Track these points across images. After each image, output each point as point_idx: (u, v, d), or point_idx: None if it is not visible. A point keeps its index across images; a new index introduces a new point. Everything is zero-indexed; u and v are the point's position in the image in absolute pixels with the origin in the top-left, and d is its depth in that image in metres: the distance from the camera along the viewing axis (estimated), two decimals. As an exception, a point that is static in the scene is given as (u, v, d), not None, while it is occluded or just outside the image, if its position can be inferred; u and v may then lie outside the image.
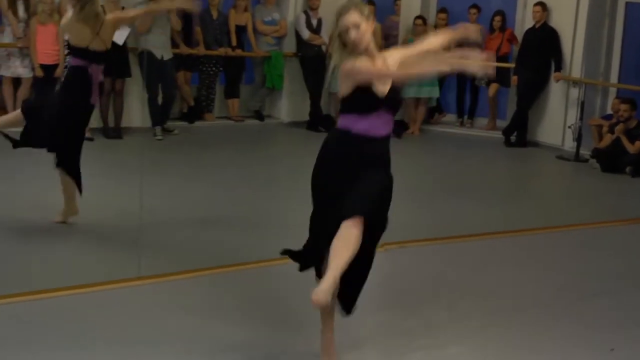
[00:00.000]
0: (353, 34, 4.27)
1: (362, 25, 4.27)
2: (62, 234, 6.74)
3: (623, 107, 10.67)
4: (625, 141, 10.57)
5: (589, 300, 5.93)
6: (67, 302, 5.33)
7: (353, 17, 4.27)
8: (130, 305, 5.37)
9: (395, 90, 4.34)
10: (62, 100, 6.76)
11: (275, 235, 7.08)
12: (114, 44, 10.11)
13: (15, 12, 10.18)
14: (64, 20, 6.93)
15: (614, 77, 11.78)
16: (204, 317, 5.20)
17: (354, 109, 4.31)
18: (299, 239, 6.79)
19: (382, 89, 4.30)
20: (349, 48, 4.31)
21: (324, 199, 4.45)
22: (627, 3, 11.60)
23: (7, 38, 10.23)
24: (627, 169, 10.45)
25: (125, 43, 10.39)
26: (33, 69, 10.11)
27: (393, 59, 4.45)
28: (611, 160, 10.60)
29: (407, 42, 12.26)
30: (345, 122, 4.35)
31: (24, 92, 10.38)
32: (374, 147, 4.34)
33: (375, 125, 4.32)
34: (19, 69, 10.24)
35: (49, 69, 10.04)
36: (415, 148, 11.58)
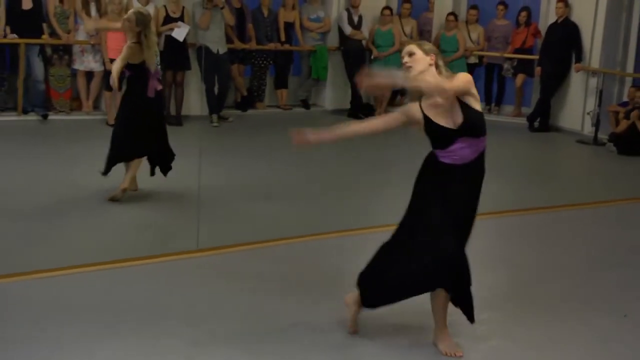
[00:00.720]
0: (405, 59, 4.32)
1: (417, 54, 4.30)
2: (128, 206, 6.84)
3: (638, 94, 10.58)
4: (640, 126, 10.44)
5: (606, 270, 5.89)
6: (129, 272, 5.40)
7: (410, 47, 4.35)
8: (189, 275, 5.42)
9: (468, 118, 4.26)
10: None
11: (319, 210, 7.13)
12: (175, 40, 10.32)
13: (88, 13, 10.29)
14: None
15: (630, 67, 11.62)
16: (254, 288, 5.24)
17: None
18: (340, 215, 6.82)
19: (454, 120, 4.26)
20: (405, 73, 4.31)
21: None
22: (643, -2, 11.43)
23: (81, 36, 10.35)
24: (642, 152, 10.33)
25: (185, 39, 10.46)
26: (104, 63, 10.21)
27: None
28: (627, 143, 10.47)
29: (440, 37, 12.24)
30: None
31: (95, 84, 10.51)
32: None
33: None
34: (91, 63, 10.38)
35: (118, 63, 10.13)
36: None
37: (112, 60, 10.02)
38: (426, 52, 4.32)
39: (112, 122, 9.99)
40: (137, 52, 6.79)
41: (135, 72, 6.90)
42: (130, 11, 6.95)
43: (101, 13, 10.28)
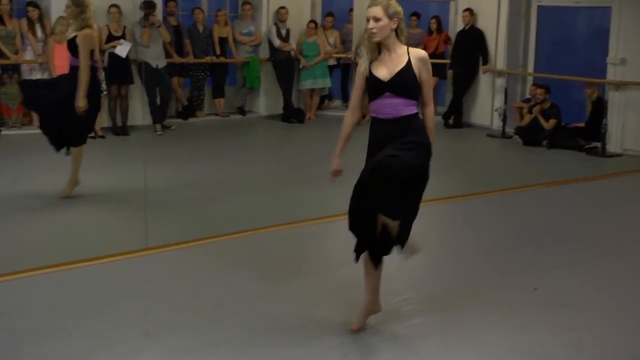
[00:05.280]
0: (370, 24, 4.14)
1: (382, 20, 4.12)
2: (80, 209, 6.70)
3: (539, 91, 10.75)
4: (541, 120, 10.64)
5: (516, 250, 5.99)
6: (79, 274, 5.28)
7: (375, 10, 4.14)
8: (138, 273, 5.34)
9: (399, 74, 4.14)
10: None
11: (261, 205, 7.11)
12: (118, 56, 10.17)
13: (34, 34, 10.06)
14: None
15: (530, 67, 11.82)
16: (203, 281, 5.19)
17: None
18: (276, 208, 6.81)
19: (384, 74, 4.14)
20: (367, 36, 4.16)
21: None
22: (538, 6, 11.64)
23: (29, 55, 10.11)
24: (544, 142, 10.52)
25: (127, 56, 10.31)
26: (51, 80, 10.00)
27: (414, 57, 4.19)
28: (530, 135, 10.68)
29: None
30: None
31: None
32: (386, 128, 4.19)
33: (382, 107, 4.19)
34: (39, 80, 10.13)
35: (64, 79, 9.93)
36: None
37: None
38: (390, 17, 4.13)
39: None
40: (92, 38, 6.76)
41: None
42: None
43: (47, 34, 10.06)
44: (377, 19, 4.12)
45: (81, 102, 6.75)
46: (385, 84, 4.15)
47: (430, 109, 4.32)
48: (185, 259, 5.58)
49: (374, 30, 4.13)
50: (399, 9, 4.20)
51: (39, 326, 4.34)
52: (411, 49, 4.22)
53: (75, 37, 6.79)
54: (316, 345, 4.22)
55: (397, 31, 4.19)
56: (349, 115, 4.40)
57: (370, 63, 4.22)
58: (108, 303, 4.70)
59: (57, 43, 9.83)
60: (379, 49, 4.22)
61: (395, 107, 4.17)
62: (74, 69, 6.86)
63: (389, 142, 4.15)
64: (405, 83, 4.15)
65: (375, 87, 4.19)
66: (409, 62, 4.16)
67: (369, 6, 4.18)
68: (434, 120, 4.38)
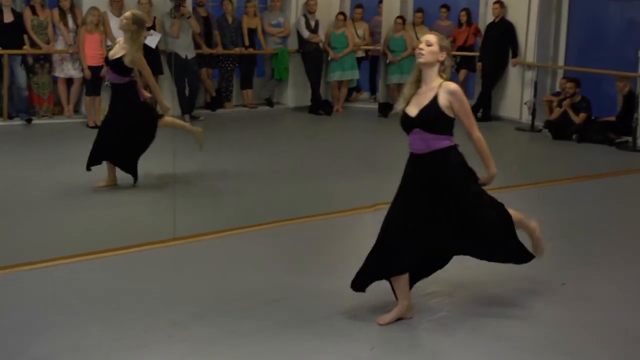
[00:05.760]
0: (421, 45, 4.27)
1: (433, 46, 4.24)
2: (109, 199, 6.75)
3: (569, 85, 10.65)
4: (571, 113, 10.54)
5: (549, 241, 5.92)
6: (107, 263, 5.32)
7: (430, 36, 4.31)
8: (166, 263, 5.36)
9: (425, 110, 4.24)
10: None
11: (288, 197, 7.13)
12: (148, 47, 10.21)
13: (65, 24, 10.14)
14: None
15: (560, 61, 11.73)
16: (230, 271, 5.21)
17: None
18: (303, 199, 6.81)
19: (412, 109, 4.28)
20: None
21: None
22: (571, -1, 11.55)
23: (60, 45, 10.19)
24: (574, 137, 10.43)
25: (157, 47, 10.35)
26: (82, 70, 10.08)
27: (443, 91, 4.23)
28: (560, 129, 10.58)
29: (389, 38, 12.25)
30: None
31: (75, 90, 10.37)
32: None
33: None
34: (71, 70, 10.24)
35: (95, 69, 10.01)
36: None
37: (90, 68, 9.97)
38: (441, 48, 4.26)
39: (91, 124, 9.90)
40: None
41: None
42: (128, 12, 6.93)
43: (78, 24, 10.14)
44: (429, 44, 4.26)
45: (164, 106, 7.12)
46: (413, 120, 4.26)
47: (474, 136, 4.35)
48: (212, 250, 5.61)
49: (423, 52, 4.24)
50: (450, 46, 4.36)
51: (69, 314, 4.39)
52: (444, 84, 4.25)
53: (123, 56, 6.77)
54: (341, 337, 4.21)
55: (441, 66, 4.28)
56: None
57: (410, 98, 4.33)
58: (136, 292, 4.73)
59: (88, 33, 9.92)
60: (419, 83, 4.32)
61: (426, 141, 4.26)
62: (116, 87, 6.97)
63: (426, 181, 4.28)
64: (429, 119, 4.22)
65: (405, 124, 4.31)
66: (435, 98, 4.22)
67: (426, 34, 4.38)
68: (483, 145, 4.40)
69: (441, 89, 4.24)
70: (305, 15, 12.15)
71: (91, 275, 5.04)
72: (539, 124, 11.14)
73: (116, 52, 6.86)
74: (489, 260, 4.58)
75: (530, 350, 4.14)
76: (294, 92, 12.43)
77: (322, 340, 4.16)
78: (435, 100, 4.21)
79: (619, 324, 4.49)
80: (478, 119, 11.90)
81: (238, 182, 7.60)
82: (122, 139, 6.85)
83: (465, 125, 4.30)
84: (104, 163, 7.00)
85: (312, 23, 12.13)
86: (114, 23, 10.07)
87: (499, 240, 4.45)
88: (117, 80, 6.88)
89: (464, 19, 12.24)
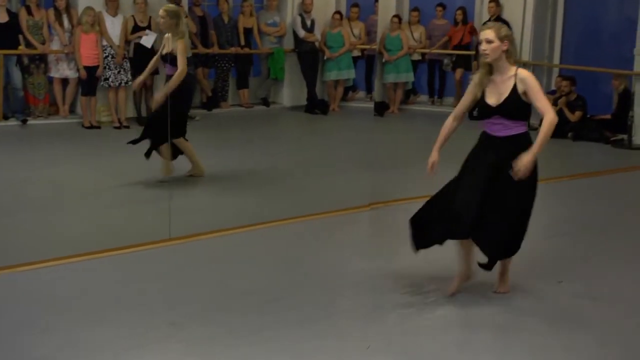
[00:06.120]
0: (483, 46, 4.46)
1: (493, 42, 4.43)
2: (104, 200, 6.75)
3: (564, 83, 10.67)
4: (567, 112, 10.56)
5: (542, 242, 5.94)
6: (104, 263, 5.32)
7: (488, 33, 4.48)
8: (162, 263, 5.36)
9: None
10: None
11: (284, 197, 7.12)
12: (143, 47, 10.21)
13: (61, 24, 10.11)
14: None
15: (556, 59, 11.75)
16: (226, 271, 5.21)
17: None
18: (301, 201, 6.81)
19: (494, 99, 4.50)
20: (480, 57, 4.54)
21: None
22: (566, -3, 11.58)
23: (55, 45, 10.17)
24: (569, 135, 10.45)
25: (152, 46, 10.34)
26: (78, 70, 10.06)
27: (519, 80, 4.50)
28: (556, 127, 10.53)
29: (385, 37, 12.26)
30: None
31: (71, 90, 10.35)
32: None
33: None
34: (66, 71, 10.20)
35: (91, 69, 9.99)
36: (396, 124, 11.57)
37: (85, 68, 9.94)
38: (501, 40, 4.45)
39: (87, 124, 9.89)
40: (188, 47, 7.17)
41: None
42: (161, 10, 7.24)
43: (73, 24, 10.12)
44: (489, 41, 4.46)
45: (160, 97, 7.12)
46: (494, 109, 4.51)
47: (547, 116, 4.51)
48: (208, 250, 5.61)
49: (487, 52, 4.46)
50: (509, 32, 4.56)
51: (66, 314, 4.39)
52: (518, 72, 4.51)
53: (172, 50, 7.10)
54: (339, 337, 4.22)
55: (506, 53, 4.50)
56: (451, 121, 4.82)
57: (484, 88, 4.56)
58: (133, 292, 4.73)
59: (83, 33, 9.90)
60: (490, 72, 4.55)
61: (506, 126, 4.54)
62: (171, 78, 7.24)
63: (496, 160, 4.51)
64: (512, 109, 4.50)
65: (485, 111, 4.56)
66: (514, 88, 4.48)
67: (482, 29, 4.58)
68: (548, 126, 4.53)
69: (517, 78, 4.49)
70: (301, 15, 12.15)
71: (88, 276, 5.03)
72: (534, 122, 11.10)
73: (168, 47, 7.19)
74: (486, 248, 4.63)
75: (528, 349, 4.14)
76: (290, 92, 12.42)
77: (322, 340, 4.16)
78: (515, 89, 4.47)
79: (616, 323, 4.50)
80: (474, 117, 11.98)
81: (235, 181, 7.60)
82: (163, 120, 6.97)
83: (538, 107, 4.50)
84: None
85: (308, 22, 12.13)
86: (110, 23, 10.08)
87: (509, 233, 4.61)
88: (174, 72, 7.17)
89: (459, 17, 12.26)
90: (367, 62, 12.90)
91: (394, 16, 12.36)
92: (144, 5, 10.35)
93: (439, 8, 12.55)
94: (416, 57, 12.56)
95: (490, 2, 11.73)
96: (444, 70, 12.68)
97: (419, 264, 5.11)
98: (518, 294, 4.87)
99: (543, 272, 5.24)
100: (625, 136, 10.13)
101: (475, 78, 4.63)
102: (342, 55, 12.25)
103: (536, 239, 5.96)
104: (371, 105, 12.08)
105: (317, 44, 12.21)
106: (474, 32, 12.21)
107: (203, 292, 4.78)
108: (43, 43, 10.07)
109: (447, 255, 5.26)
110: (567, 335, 4.30)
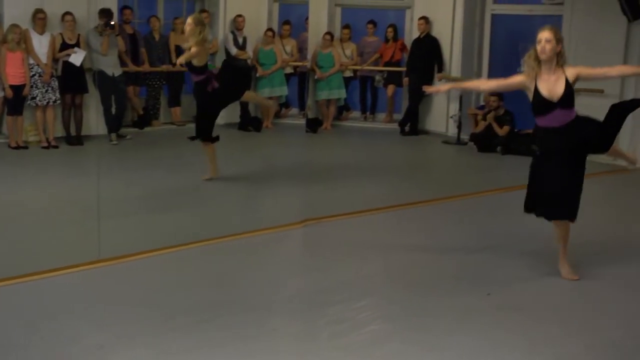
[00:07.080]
0: (542, 44, 5.05)
1: (552, 42, 5.04)
2: (31, 220, 6.57)
3: (492, 98, 10.83)
4: (495, 126, 10.76)
5: (471, 255, 6.02)
6: (30, 287, 5.18)
7: (547, 34, 5.07)
8: (91, 286, 5.25)
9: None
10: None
11: (217, 214, 7.05)
12: (72, 65, 10.03)
13: (-15, 42, 9.86)
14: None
15: (484, 75, 11.89)
16: (157, 292, 5.13)
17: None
18: (232, 219, 6.75)
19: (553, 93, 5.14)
20: (527, 56, 5.16)
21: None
22: (492, 14, 11.80)
23: (-21, 64, 9.89)
24: (498, 149, 10.64)
25: (81, 64, 10.18)
26: (3, 89, 9.81)
27: (569, 75, 5.12)
28: (485, 142, 10.78)
29: (317, 54, 12.32)
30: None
31: (-4, 108, 10.09)
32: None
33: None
34: (-9, 90, 9.94)
35: (17, 88, 9.76)
36: (329, 140, 11.61)
37: (11, 87, 9.70)
38: (557, 42, 5.06)
39: (13, 145, 9.64)
40: (202, 53, 7.73)
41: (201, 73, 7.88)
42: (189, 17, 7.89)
43: (-2, 42, 9.87)
44: (548, 41, 5.06)
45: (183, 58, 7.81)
46: (555, 103, 5.10)
47: (616, 72, 5.53)
48: (138, 271, 5.51)
49: (546, 49, 5.04)
50: (563, 36, 5.19)
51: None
52: (564, 68, 5.14)
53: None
54: (271, 355, 4.19)
55: (558, 55, 5.11)
56: (485, 84, 6.67)
57: (536, 79, 5.16)
58: (60, 316, 4.61)
59: (9, 51, 9.66)
60: (539, 67, 5.13)
61: (566, 115, 5.16)
62: (197, 83, 8.06)
63: (566, 145, 5.16)
64: (571, 100, 5.14)
65: (545, 106, 5.13)
66: (567, 81, 5.10)
67: (542, 30, 5.12)
68: (625, 69, 6.11)
69: (567, 72, 5.10)
70: (233, 32, 12.11)
71: (12, 300, 4.88)
72: (464, 137, 11.33)
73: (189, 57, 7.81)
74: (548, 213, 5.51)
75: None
76: (223, 109, 12.32)
77: (261, 357, 4.12)
78: (568, 83, 5.08)
79: (543, 333, 4.58)
80: (406, 133, 12.20)
81: (166, 200, 7.49)
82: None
83: (600, 76, 5.33)
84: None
85: (240, 40, 12.11)
86: (37, 41, 9.87)
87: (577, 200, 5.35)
88: (197, 78, 8.00)
89: (390, 35, 12.41)
90: (300, 79, 12.94)
91: (326, 33, 12.46)
92: (73, 23, 10.19)
93: (370, 25, 12.69)
94: (348, 73, 12.67)
95: (419, 19, 11.92)
96: (375, 86, 12.80)
97: (351, 280, 5.11)
98: (449, 310, 4.91)
99: (472, 286, 5.30)
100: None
101: (527, 69, 5.16)
102: (332, 75, 12.33)
103: (465, 253, 6.06)
104: (304, 122, 12.13)
105: (249, 60, 12.19)
106: (404, 49, 12.38)
107: (132, 313, 4.68)
108: (-34, 61, 9.79)
109: (380, 272, 5.29)
110: (495, 346, 4.35)
